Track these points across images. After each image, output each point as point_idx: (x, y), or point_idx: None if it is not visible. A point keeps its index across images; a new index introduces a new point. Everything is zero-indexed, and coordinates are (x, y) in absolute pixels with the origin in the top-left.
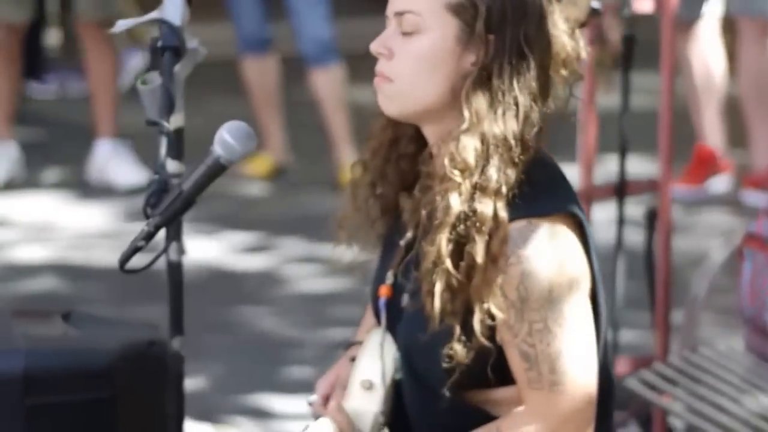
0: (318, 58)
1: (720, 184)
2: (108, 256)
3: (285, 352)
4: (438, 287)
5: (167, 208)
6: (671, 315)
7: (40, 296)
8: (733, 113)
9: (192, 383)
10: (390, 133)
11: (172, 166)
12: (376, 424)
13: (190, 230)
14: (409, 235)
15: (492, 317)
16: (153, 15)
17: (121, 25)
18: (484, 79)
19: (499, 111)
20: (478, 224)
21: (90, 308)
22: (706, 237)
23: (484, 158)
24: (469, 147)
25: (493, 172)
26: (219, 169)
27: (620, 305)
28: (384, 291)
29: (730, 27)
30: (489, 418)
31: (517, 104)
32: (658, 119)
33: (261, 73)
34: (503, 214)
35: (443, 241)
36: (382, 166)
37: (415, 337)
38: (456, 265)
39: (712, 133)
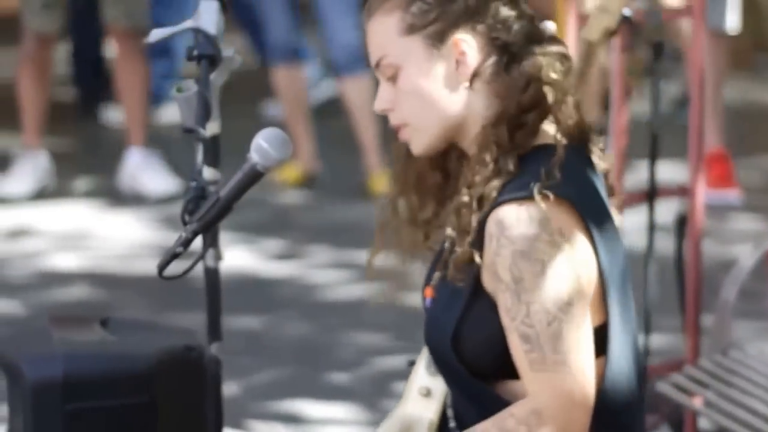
0: (347, 66)
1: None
2: (141, 264)
3: (319, 358)
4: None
5: (205, 214)
6: (701, 319)
7: (74, 304)
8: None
9: (227, 390)
10: (413, 170)
11: (208, 173)
12: (432, 430)
13: (222, 238)
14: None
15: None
16: (188, 24)
17: (156, 34)
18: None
19: (491, 102)
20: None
21: (125, 315)
22: (736, 242)
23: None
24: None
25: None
26: (256, 176)
27: (651, 309)
28: (428, 292)
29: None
30: None
31: (505, 83)
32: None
33: (291, 82)
34: (493, 195)
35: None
36: (418, 201)
37: (430, 329)
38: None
39: None
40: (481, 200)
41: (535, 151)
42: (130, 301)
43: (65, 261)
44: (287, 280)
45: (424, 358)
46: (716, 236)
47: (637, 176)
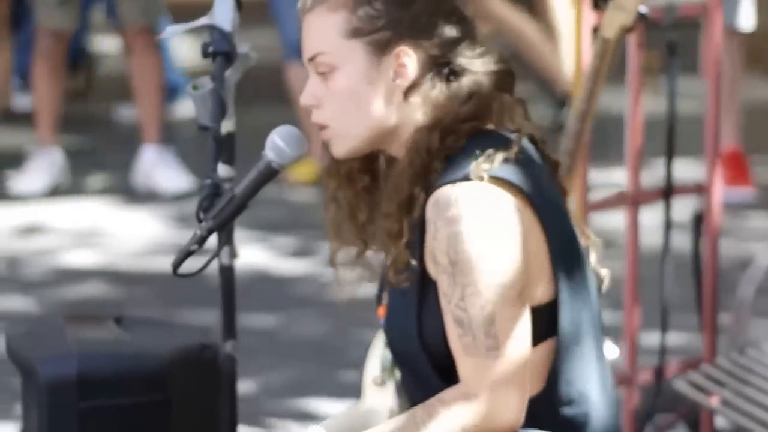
0: None
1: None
2: (155, 262)
3: (333, 356)
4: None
5: (220, 212)
6: (719, 317)
7: (89, 301)
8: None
9: (241, 388)
10: (343, 170)
11: (223, 170)
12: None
13: (237, 236)
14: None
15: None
16: (203, 20)
17: (171, 31)
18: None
19: (424, 106)
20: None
21: (139, 313)
22: (753, 240)
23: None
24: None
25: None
26: (271, 173)
27: (668, 308)
28: (381, 312)
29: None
30: None
31: (435, 94)
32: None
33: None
34: (422, 196)
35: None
36: (353, 199)
37: (394, 341)
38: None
39: None
40: (410, 202)
41: (474, 135)
42: (144, 298)
43: (79, 258)
44: (302, 277)
45: (375, 350)
46: (733, 234)
47: (654, 174)
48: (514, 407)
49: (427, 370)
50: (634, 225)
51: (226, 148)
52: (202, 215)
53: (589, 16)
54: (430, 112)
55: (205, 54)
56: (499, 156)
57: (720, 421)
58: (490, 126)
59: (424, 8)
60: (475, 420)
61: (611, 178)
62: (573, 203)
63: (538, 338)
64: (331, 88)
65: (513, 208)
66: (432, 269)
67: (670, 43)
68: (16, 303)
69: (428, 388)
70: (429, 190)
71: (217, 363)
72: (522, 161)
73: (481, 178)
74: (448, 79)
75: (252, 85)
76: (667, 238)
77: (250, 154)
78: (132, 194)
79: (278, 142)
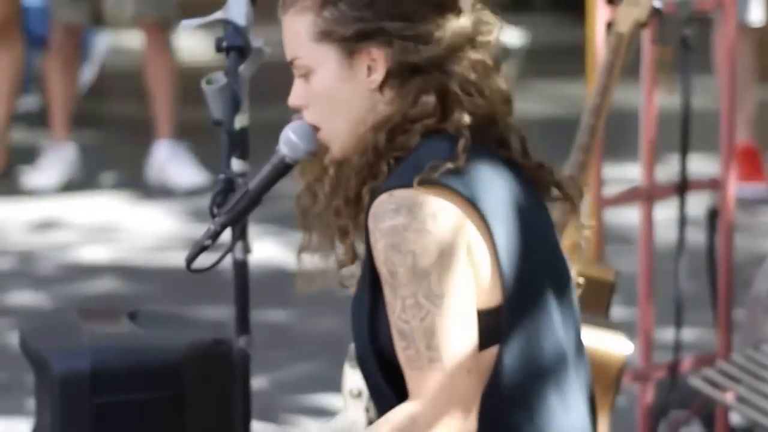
0: None
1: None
2: (169, 257)
3: (346, 351)
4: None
5: (233, 207)
6: (733, 313)
7: (102, 297)
8: None
9: (255, 383)
10: (328, 160)
11: (237, 165)
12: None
13: (250, 231)
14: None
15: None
16: (218, 15)
17: (186, 25)
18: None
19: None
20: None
21: (152, 308)
22: (767, 236)
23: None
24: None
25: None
26: (284, 169)
27: (683, 304)
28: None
29: None
30: None
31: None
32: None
33: None
34: (368, 194)
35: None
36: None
37: (354, 339)
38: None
39: None
40: (357, 201)
41: (428, 136)
42: (157, 294)
43: (93, 254)
44: None
45: (350, 360)
46: (747, 230)
47: (668, 169)
48: (460, 420)
49: (375, 373)
50: (648, 220)
51: (239, 143)
52: (215, 210)
53: (604, 11)
54: (384, 109)
55: (219, 49)
56: (445, 163)
57: (735, 418)
58: (449, 126)
59: (389, 6)
60: None
61: (625, 174)
62: (587, 199)
63: (485, 342)
64: (311, 90)
65: (452, 215)
66: (380, 276)
67: (685, 38)
68: (30, 298)
69: (378, 392)
70: (375, 194)
71: (231, 358)
72: (472, 167)
73: (420, 186)
74: (408, 77)
75: (266, 80)
76: (681, 234)
77: (264, 149)
78: (145, 189)
79: (292, 137)
